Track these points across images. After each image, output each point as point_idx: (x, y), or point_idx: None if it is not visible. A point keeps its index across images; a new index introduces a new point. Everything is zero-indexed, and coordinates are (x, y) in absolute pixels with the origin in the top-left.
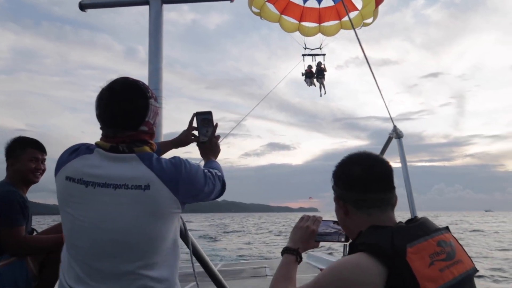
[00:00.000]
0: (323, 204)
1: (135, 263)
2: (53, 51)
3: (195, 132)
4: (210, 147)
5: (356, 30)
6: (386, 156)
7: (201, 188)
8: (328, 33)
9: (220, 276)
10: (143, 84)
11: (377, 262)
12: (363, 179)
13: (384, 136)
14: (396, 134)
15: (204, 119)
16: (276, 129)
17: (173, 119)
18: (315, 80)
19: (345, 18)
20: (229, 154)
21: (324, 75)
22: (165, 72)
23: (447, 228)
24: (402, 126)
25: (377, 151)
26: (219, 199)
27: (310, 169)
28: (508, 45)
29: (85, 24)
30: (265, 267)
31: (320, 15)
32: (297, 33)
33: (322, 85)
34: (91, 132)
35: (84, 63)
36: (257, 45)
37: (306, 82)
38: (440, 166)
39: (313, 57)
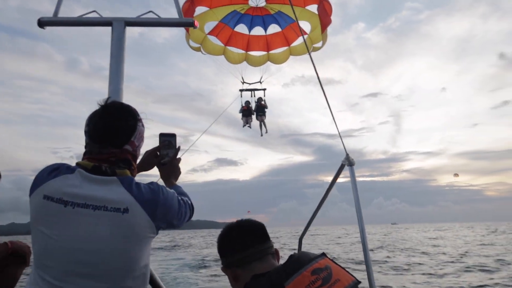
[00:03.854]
0: (269, 219)
1: (107, 286)
2: None
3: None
4: (171, 169)
5: (307, 54)
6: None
7: (175, 214)
8: (277, 60)
9: None
10: (134, 108)
11: None
12: (239, 239)
13: (328, 151)
14: (349, 161)
15: (166, 141)
16: (224, 145)
17: None
18: (253, 117)
19: (294, 44)
20: None
21: (265, 112)
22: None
23: (323, 254)
24: (345, 142)
25: (321, 167)
26: None
27: (258, 184)
28: (438, 70)
29: (23, 32)
30: None
31: (267, 43)
32: (235, 65)
33: (262, 123)
34: (25, 146)
35: (21, 73)
36: (205, 60)
37: (243, 122)
38: (379, 181)
39: (252, 92)
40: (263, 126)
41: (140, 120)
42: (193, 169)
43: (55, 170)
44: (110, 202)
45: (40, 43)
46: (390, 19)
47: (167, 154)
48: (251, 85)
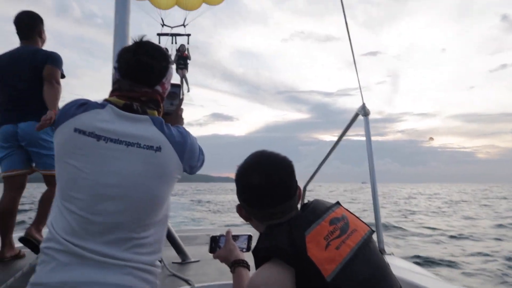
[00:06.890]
0: None
1: (134, 222)
2: None
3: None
4: (175, 119)
5: None
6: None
7: (197, 159)
8: (214, 0)
9: (180, 242)
10: (166, 51)
11: (284, 264)
12: (261, 192)
13: (324, 110)
14: (364, 111)
15: (171, 92)
16: (220, 99)
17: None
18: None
19: None
20: None
21: (187, 64)
22: (105, 34)
23: (337, 203)
24: (341, 101)
25: (316, 125)
26: None
27: (253, 140)
28: (440, 29)
29: None
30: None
31: None
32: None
33: (184, 79)
34: None
35: (10, 17)
36: (201, 10)
37: None
38: (374, 141)
39: (173, 38)
40: (185, 82)
41: (171, 62)
42: (188, 123)
43: (84, 105)
44: (144, 139)
45: None
46: None
47: (171, 103)
48: (173, 29)
